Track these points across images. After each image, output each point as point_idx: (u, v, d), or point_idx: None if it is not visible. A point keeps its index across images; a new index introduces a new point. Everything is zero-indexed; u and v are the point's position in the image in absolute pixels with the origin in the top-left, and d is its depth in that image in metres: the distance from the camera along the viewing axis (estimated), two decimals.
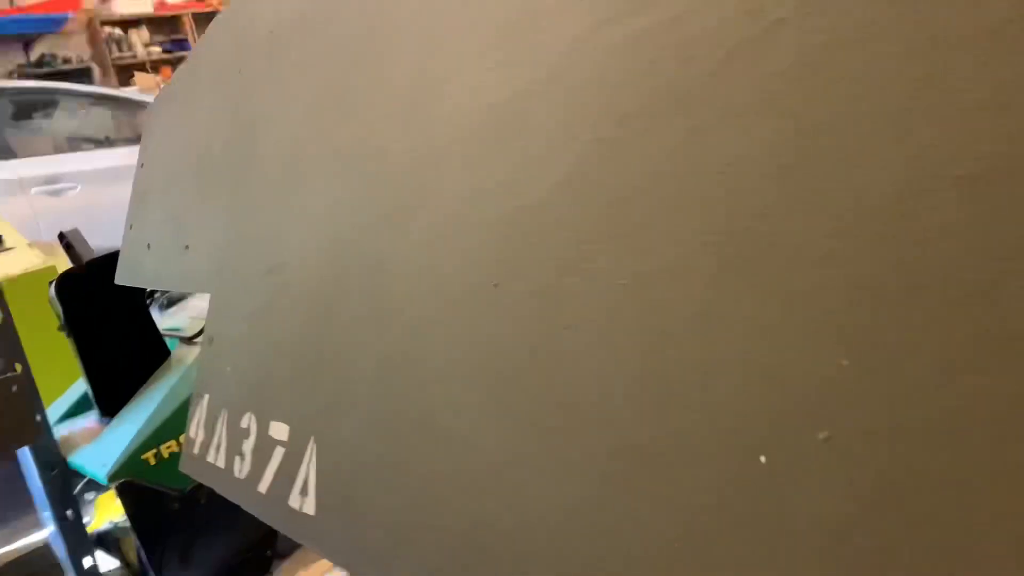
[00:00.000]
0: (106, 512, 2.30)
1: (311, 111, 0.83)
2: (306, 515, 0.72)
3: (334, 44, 0.82)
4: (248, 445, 0.83)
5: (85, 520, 2.20)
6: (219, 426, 0.89)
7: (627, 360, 0.47)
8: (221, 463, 0.87)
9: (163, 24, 9.11)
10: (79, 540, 2.10)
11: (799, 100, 0.42)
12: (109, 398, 2.10)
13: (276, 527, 0.76)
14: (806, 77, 0.42)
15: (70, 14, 8.41)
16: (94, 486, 2.24)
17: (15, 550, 2.26)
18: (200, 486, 1.98)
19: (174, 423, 1.93)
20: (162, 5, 9.09)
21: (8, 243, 2.95)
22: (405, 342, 0.65)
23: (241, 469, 0.83)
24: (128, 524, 2.04)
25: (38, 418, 1.92)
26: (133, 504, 1.92)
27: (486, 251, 0.59)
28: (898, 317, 0.36)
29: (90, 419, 2.16)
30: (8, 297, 1.94)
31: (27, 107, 6.15)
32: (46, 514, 2.19)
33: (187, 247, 1.05)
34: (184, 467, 0.95)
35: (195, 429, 0.94)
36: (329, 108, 0.80)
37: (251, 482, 0.81)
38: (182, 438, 1.97)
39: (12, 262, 2.75)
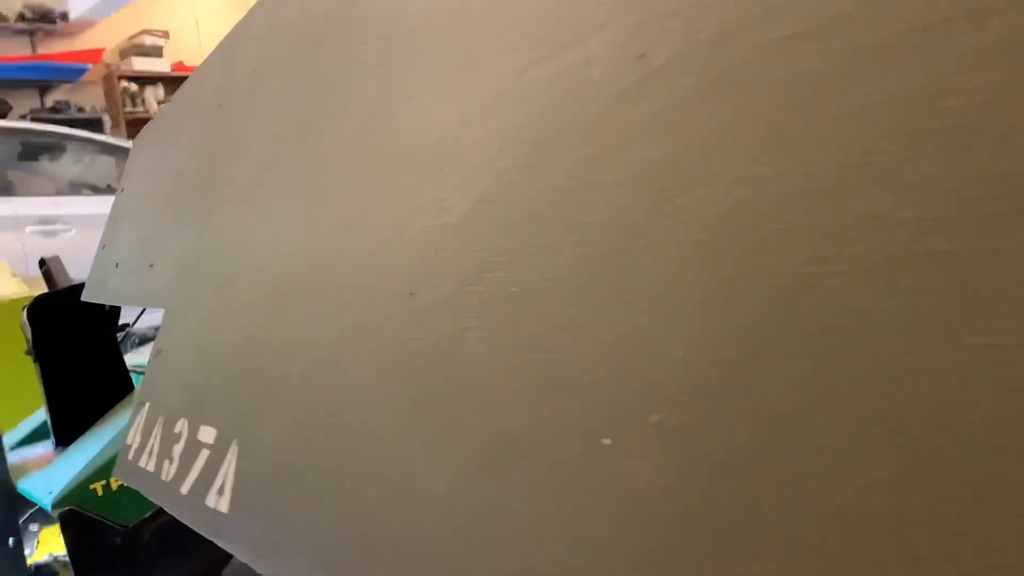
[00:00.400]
0: (48, 546, 2.27)
1: (278, 139, 0.90)
2: (220, 512, 0.75)
3: (306, 80, 0.88)
4: (178, 449, 0.86)
5: (27, 552, 2.18)
6: (155, 432, 0.92)
7: (507, 357, 0.52)
8: (151, 468, 0.90)
9: (179, 83, 9.36)
10: (17, 569, 2.08)
11: (671, 132, 0.48)
12: (66, 427, 2.11)
13: (192, 525, 0.78)
14: (678, 113, 0.48)
15: (89, 66, 8.64)
16: (40, 518, 2.22)
17: None
18: (143, 523, 1.98)
19: None
20: (180, 66, 9.36)
21: None
22: (332, 349, 0.70)
23: (168, 472, 0.86)
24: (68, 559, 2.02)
25: None
26: (74, 534, 1.91)
27: (409, 264, 0.64)
28: (727, 314, 0.41)
29: (45, 447, 2.16)
30: None
31: (34, 149, 6.26)
32: None
33: (152, 265, 1.10)
34: (117, 472, 0.97)
35: (132, 436, 0.97)
36: (293, 136, 0.87)
37: (175, 484, 0.84)
38: None
39: None
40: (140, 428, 0.95)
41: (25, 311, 2.01)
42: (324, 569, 0.60)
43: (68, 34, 8.94)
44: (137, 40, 9.10)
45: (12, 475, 2.04)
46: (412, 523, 0.55)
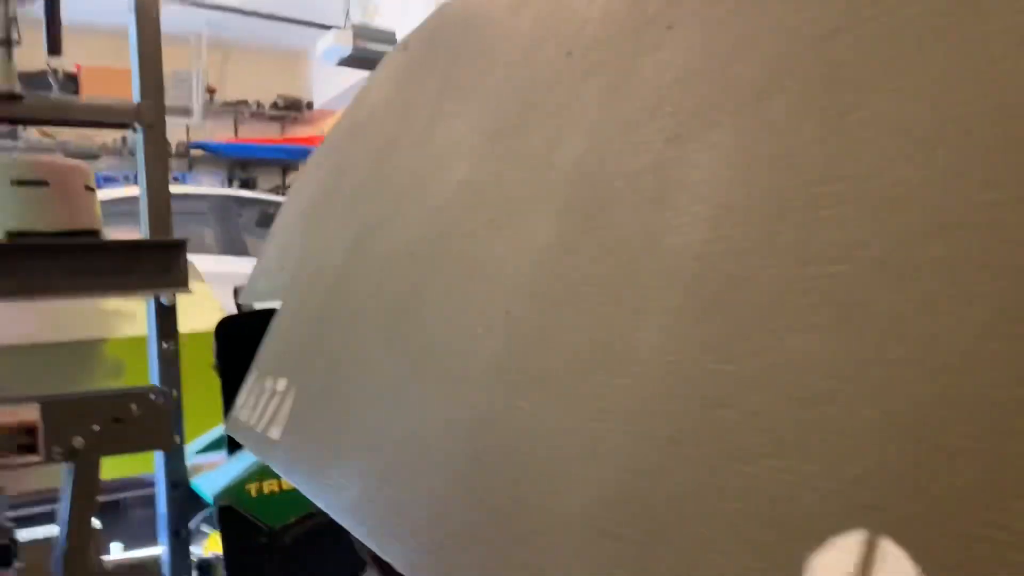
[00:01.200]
0: (216, 545, 2.55)
1: (363, 166, 1.09)
2: (272, 440, 0.92)
3: (379, 130, 1.08)
4: (263, 399, 1.04)
5: (196, 548, 2.47)
6: (255, 389, 1.11)
7: (441, 290, 0.66)
8: (245, 418, 1.09)
9: None
10: (182, 558, 2.36)
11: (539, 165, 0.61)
12: None
13: (256, 455, 0.96)
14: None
15: None
16: (210, 520, 2.50)
17: (128, 558, 2.55)
18: (287, 527, 2.20)
19: None
20: None
21: (200, 304, 3.43)
22: (354, 307, 0.86)
23: (253, 417, 1.04)
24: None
25: (175, 437, 2.24)
26: (228, 527, 2.16)
27: (406, 248, 0.80)
28: (557, 230, 0.53)
29: (220, 454, 2.46)
30: (189, 347, 2.36)
31: (269, 217, 7.08)
32: (163, 534, 2.47)
33: (282, 268, 1.33)
34: (227, 426, 1.17)
35: (242, 395, 1.17)
36: (372, 161, 1.06)
37: (255, 425, 1.02)
38: (284, 482, 2.21)
39: (200, 319, 3.21)
40: (248, 388, 1.15)
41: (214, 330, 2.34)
42: (319, 479, 0.75)
43: (312, 121, 10.10)
44: None
45: (189, 475, 2.35)
46: (369, 415, 0.69)
